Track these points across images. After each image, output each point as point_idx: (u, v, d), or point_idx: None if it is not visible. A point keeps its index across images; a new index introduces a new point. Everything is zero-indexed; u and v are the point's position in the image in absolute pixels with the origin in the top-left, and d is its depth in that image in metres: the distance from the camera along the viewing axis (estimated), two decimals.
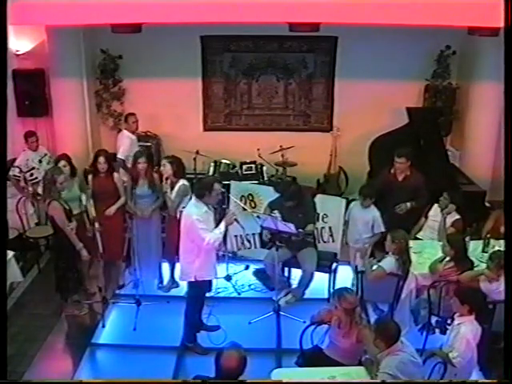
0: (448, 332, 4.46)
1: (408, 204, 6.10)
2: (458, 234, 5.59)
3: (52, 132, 8.07)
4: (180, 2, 5.38)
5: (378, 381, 3.81)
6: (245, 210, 6.23)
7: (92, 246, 5.72)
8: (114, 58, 8.21)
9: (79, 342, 5.41)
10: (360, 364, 4.25)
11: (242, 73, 8.52)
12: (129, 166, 6.93)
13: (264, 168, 8.03)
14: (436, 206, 6.09)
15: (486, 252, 5.50)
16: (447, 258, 5.18)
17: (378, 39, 7.75)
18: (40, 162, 6.99)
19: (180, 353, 5.25)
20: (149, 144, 8.06)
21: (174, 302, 5.86)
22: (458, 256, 5.11)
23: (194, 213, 4.84)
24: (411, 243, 5.53)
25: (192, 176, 7.04)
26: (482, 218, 6.52)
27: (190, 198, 5.12)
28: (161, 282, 6.29)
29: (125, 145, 7.15)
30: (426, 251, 5.66)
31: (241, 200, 6.61)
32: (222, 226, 4.96)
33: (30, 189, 6.82)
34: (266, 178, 7.88)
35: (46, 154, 7.15)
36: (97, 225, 5.87)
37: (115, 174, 6.05)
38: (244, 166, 7.89)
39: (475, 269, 5.14)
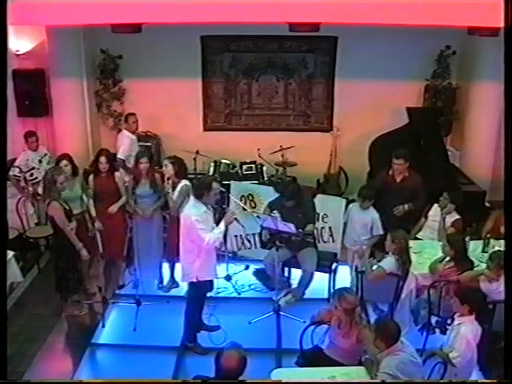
0: (448, 332, 4.46)
1: (406, 206, 6.08)
2: (458, 234, 5.59)
3: (52, 132, 8.07)
4: (180, 2, 5.38)
5: (378, 381, 3.81)
6: (245, 210, 6.23)
7: (92, 246, 5.73)
8: (114, 58, 8.21)
9: (79, 341, 5.41)
10: (360, 364, 4.24)
11: (242, 73, 8.52)
12: (129, 166, 6.94)
13: (264, 168, 8.03)
14: (436, 205, 6.09)
15: (486, 252, 5.50)
16: (447, 258, 5.18)
17: (377, 39, 7.75)
18: (40, 161, 6.99)
19: (180, 353, 5.25)
20: (149, 144, 8.06)
21: (174, 302, 5.86)
22: (458, 256, 5.11)
23: (193, 213, 4.84)
24: (411, 243, 5.53)
25: (192, 176, 7.03)
26: (482, 218, 6.52)
27: None
28: (161, 281, 6.29)
29: (125, 145, 7.15)
30: (426, 251, 5.66)
31: (241, 200, 6.61)
32: (222, 225, 4.96)
33: (30, 189, 6.82)
34: (266, 178, 7.88)
35: (46, 154, 7.15)
36: (96, 224, 5.90)
37: (116, 174, 6.05)
38: (244, 166, 7.90)
39: (475, 269, 5.14)
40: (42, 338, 5.37)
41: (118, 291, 6.20)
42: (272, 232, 5.68)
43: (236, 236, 6.78)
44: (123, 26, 5.70)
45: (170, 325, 5.51)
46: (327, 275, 6.05)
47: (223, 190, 5.67)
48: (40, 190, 6.03)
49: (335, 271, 6.08)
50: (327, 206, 6.52)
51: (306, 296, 6.03)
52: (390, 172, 6.21)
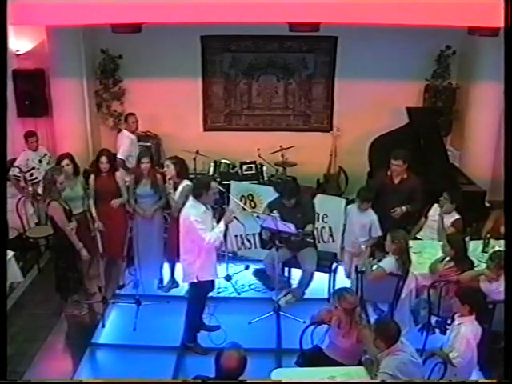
0: (448, 332, 4.46)
1: (403, 208, 6.06)
2: (458, 234, 5.58)
3: (52, 132, 8.07)
4: (180, 2, 5.38)
5: (378, 381, 3.81)
6: (245, 210, 6.23)
7: (93, 246, 5.72)
8: (114, 58, 8.21)
9: (79, 342, 5.40)
10: (360, 364, 4.24)
11: (242, 73, 8.52)
12: (129, 166, 6.94)
13: (264, 168, 8.04)
14: (436, 205, 6.08)
15: (486, 252, 5.50)
16: (447, 258, 5.18)
17: (377, 39, 7.75)
18: (40, 161, 6.99)
19: (180, 353, 5.25)
20: (149, 144, 8.07)
21: (174, 302, 5.87)
22: (458, 256, 5.11)
23: (192, 214, 4.84)
24: (411, 243, 5.53)
25: (192, 176, 7.03)
26: (482, 218, 6.52)
27: None
28: (161, 281, 6.29)
29: (125, 145, 7.14)
30: (426, 251, 5.66)
31: (241, 200, 6.61)
32: (222, 224, 4.96)
33: (30, 189, 6.82)
34: (266, 178, 7.88)
35: (45, 154, 7.15)
36: (97, 224, 5.90)
37: (117, 174, 6.04)
38: (244, 166, 7.90)
39: (475, 269, 5.14)
40: (41, 338, 5.37)
41: (118, 291, 6.20)
42: (272, 232, 5.68)
43: (236, 236, 6.78)
44: (123, 26, 5.70)
45: (169, 325, 5.52)
46: (327, 275, 6.05)
47: (223, 189, 5.67)
48: (40, 190, 6.02)
49: (335, 271, 6.09)
50: (327, 206, 6.52)
51: (306, 296, 6.03)
52: (388, 173, 6.20)
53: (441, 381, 4.12)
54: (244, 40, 8.32)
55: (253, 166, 7.91)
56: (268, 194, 6.43)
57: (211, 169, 7.95)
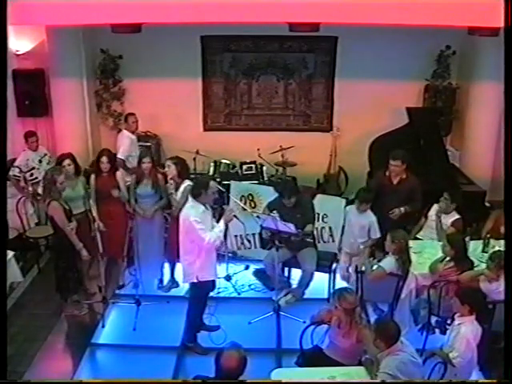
0: (448, 332, 4.46)
1: (402, 209, 6.04)
2: (458, 234, 5.58)
3: (52, 132, 8.07)
4: (180, 2, 5.38)
5: (378, 381, 3.81)
6: (245, 209, 6.23)
7: (93, 246, 5.72)
8: (114, 58, 8.21)
9: (79, 341, 5.40)
10: (360, 364, 4.24)
11: (242, 73, 8.52)
12: (129, 166, 6.94)
13: (264, 168, 8.03)
14: (436, 205, 6.08)
15: (486, 252, 5.50)
16: (447, 258, 5.18)
17: (377, 39, 7.75)
18: (40, 161, 6.99)
19: (180, 353, 5.25)
20: (149, 144, 8.07)
21: (174, 302, 5.88)
22: (458, 256, 5.11)
23: (191, 214, 4.84)
24: (411, 243, 5.53)
25: (192, 176, 7.03)
26: (482, 218, 6.51)
27: None
28: (161, 281, 6.29)
29: (125, 145, 7.14)
30: (426, 251, 5.66)
31: (241, 200, 6.61)
32: (222, 223, 4.96)
33: (30, 189, 6.82)
34: (266, 178, 7.88)
35: (45, 154, 7.15)
36: (97, 224, 5.89)
37: (118, 174, 6.05)
38: (244, 166, 7.90)
39: (475, 269, 5.13)
40: (41, 338, 5.37)
41: (118, 291, 6.20)
42: (272, 232, 5.68)
43: (236, 236, 6.78)
44: (123, 26, 5.70)
45: (170, 325, 5.52)
46: (327, 275, 6.05)
47: (222, 189, 5.67)
48: (40, 190, 6.03)
49: (335, 271, 6.09)
50: (327, 206, 6.52)
51: (306, 296, 6.03)
52: (387, 173, 6.19)
53: (441, 381, 4.12)
54: (244, 40, 8.31)
55: (253, 165, 7.91)
56: (268, 194, 6.43)
57: (211, 169, 7.95)
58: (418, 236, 6.18)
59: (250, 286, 6.39)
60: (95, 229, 5.91)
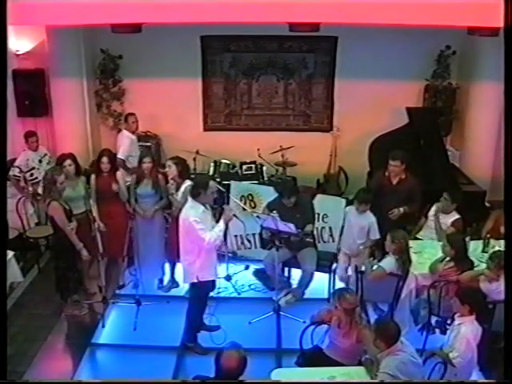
0: (448, 332, 4.46)
1: (401, 209, 6.02)
2: (458, 234, 5.58)
3: (52, 132, 8.08)
4: (180, 2, 5.38)
5: (378, 381, 3.81)
6: (245, 209, 6.23)
7: (93, 246, 5.72)
8: (114, 58, 8.21)
9: (79, 341, 5.41)
10: (360, 364, 4.24)
11: (242, 73, 8.52)
12: (129, 166, 6.95)
13: (264, 168, 8.03)
14: (436, 205, 6.08)
15: (486, 252, 5.50)
16: (447, 258, 5.17)
17: (377, 39, 7.75)
18: (40, 161, 6.99)
19: (180, 353, 5.25)
20: (149, 144, 8.07)
21: (174, 302, 5.88)
22: (458, 256, 5.10)
23: (191, 214, 4.83)
24: (411, 243, 5.52)
25: (192, 176, 7.03)
26: (482, 218, 6.51)
27: None
28: (161, 282, 6.29)
29: (125, 145, 7.15)
30: (426, 251, 5.66)
31: (241, 200, 6.61)
32: (221, 223, 4.95)
33: (30, 189, 6.82)
34: (265, 178, 7.88)
35: (45, 154, 7.15)
36: (97, 224, 5.90)
37: (118, 173, 6.05)
38: (244, 166, 7.90)
39: (475, 269, 5.13)
40: (41, 338, 5.37)
41: (118, 291, 6.20)
42: (272, 232, 5.68)
43: (236, 236, 6.78)
44: (123, 26, 5.70)
45: (170, 325, 5.52)
46: (327, 275, 6.05)
47: (222, 189, 5.67)
48: (40, 190, 6.03)
49: (335, 271, 6.08)
50: (327, 206, 6.52)
51: (306, 296, 6.03)
52: (386, 173, 6.19)
53: (441, 381, 4.13)
54: (244, 40, 8.31)
55: (253, 166, 7.92)
56: (268, 194, 6.43)
57: (211, 169, 7.95)
58: (417, 236, 6.18)
59: (250, 286, 6.39)
60: (95, 229, 5.92)
